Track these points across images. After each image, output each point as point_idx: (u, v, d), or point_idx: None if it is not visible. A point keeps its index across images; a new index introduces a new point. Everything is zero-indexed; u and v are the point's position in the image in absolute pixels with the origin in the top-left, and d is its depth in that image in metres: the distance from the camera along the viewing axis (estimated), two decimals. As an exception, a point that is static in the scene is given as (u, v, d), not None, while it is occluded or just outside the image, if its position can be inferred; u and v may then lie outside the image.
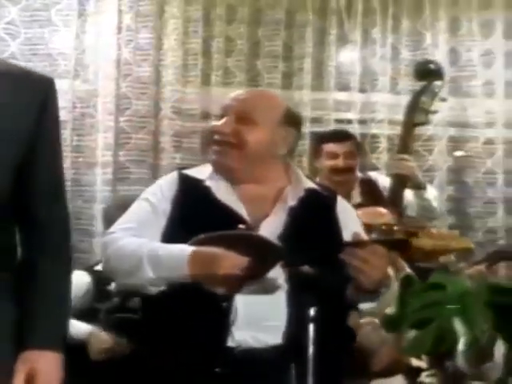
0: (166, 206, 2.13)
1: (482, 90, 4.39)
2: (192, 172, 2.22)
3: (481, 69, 4.39)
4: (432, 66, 3.67)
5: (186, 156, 4.17)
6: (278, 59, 4.25)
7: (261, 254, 1.97)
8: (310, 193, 2.20)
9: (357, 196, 3.58)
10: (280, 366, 2.01)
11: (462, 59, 4.40)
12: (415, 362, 3.10)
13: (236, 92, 2.28)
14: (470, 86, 4.38)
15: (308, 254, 2.01)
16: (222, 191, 2.14)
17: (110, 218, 3.09)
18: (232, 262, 1.97)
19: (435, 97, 3.59)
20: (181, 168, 2.31)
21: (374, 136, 4.29)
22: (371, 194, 3.60)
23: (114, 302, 3.23)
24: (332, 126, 4.20)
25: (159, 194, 2.17)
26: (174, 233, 2.09)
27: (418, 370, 3.08)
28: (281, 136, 2.20)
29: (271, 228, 2.10)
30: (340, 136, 3.69)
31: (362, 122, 4.27)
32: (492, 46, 4.41)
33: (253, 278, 2.00)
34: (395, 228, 3.03)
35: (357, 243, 2.03)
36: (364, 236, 2.17)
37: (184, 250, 2.02)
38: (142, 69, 4.13)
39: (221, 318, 2.00)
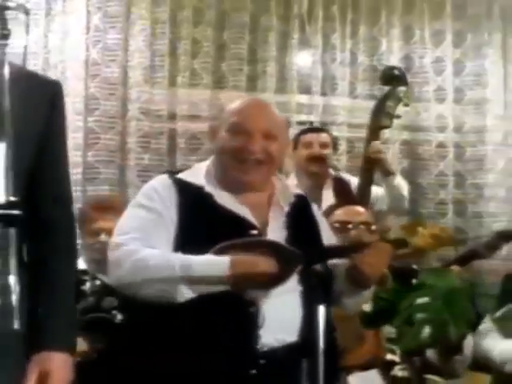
0: (172, 214, 2.13)
1: (434, 95, 4.60)
2: (185, 176, 2.23)
3: (432, 75, 4.60)
4: (396, 72, 3.81)
5: (153, 156, 4.19)
6: (242, 62, 4.33)
7: (283, 259, 2.06)
8: (298, 198, 2.31)
9: (330, 194, 3.70)
10: (296, 362, 2.11)
11: (415, 66, 4.59)
12: (389, 356, 3.26)
13: (242, 104, 2.26)
14: (422, 91, 4.58)
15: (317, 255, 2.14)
16: (225, 198, 2.19)
17: (83, 219, 3.10)
18: (268, 265, 2.07)
19: (399, 101, 3.74)
20: (169, 172, 2.31)
21: (335, 138, 4.42)
22: (343, 193, 3.73)
23: (89, 301, 3.23)
24: (294, 128, 4.31)
25: (159, 201, 2.16)
26: (185, 241, 2.11)
27: (392, 364, 3.24)
28: (288, 145, 2.33)
29: (276, 233, 2.19)
30: (316, 128, 3.96)
31: (323, 124, 4.40)
32: (442, 53, 4.63)
33: (279, 282, 2.10)
34: (373, 227, 3.21)
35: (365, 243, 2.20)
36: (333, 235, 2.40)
37: (220, 258, 2.06)
38: (110, 69, 4.13)
39: (250, 323, 2.07)
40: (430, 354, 3.28)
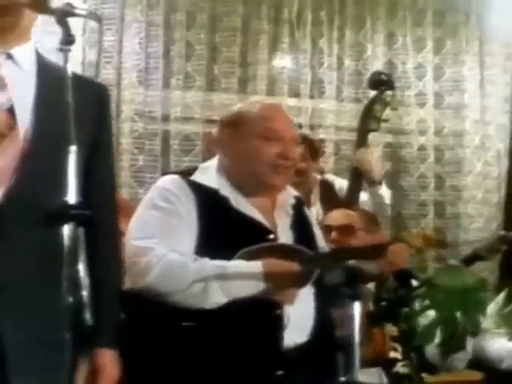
0: (193, 217, 2.16)
1: (415, 100, 4.75)
2: (198, 179, 2.26)
3: (414, 80, 4.75)
4: (384, 77, 3.90)
5: (147, 157, 4.23)
6: (234, 65, 4.40)
7: (304, 262, 2.17)
8: (297, 199, 2.42)
9: (316, 198, 3.80)
10: (313, 361, 2.22)
11: (397, 71, 4.73)
12: (392, 354, 3.39)
13: (269, 111, 2.35)
14: (404, 95, 4.72)
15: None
16: (240, 202, 2.25)
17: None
18: (295, 267, 2.17)
19: (386, 105, 3.85)
20: (179, 173, 2.35)
21: (322, 141, 4.54)
22: (329, 196, 3.83)
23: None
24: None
25: (178, 203, 2.17)
26: (205, 245, 2.15)
27: (394, 361, 3.37)
28: None
29: (284, 235, 2.29)
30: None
31: (311, 127, 4.51)
32: (423, 60, 4.78)
33: (305, 283, 2.22)
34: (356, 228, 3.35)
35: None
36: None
37: (252, 264, 2.14)
38: (105, 71, 4.14)
39: (276, 325, 2.15)
40: (431, 350, 3.43)
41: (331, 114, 4.57)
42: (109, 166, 1.99)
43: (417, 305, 3.37)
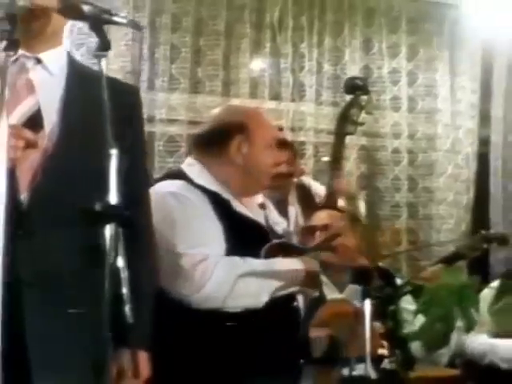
0: (215, 221, 2.26)
1: (390, 104, 4.89)
2: (201, 183, 2.35)
3: (389, 85, 4.89)
4: (359, 82, 4.00)
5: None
6: (218, 68, 4.47)
7: None
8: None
9: (294, 200, 3.90)
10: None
11: (373, 76, 4.86)
12: (379, 350, 3.53)
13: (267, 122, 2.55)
14: (380, 100, 4.86)
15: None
16: (237, 205, 2.37)
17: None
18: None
19: (362, 110, 3.94)
20: (182, 177, 2.40)
21: (302, 143, 4.65)
22: (306, 199, 3.94)
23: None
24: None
25: (201, 208, 2.27)
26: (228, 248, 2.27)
27: (381, 357, 3.50)
28: None
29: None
30: (283, 144, 4.02)
31: (292, 129, 4.61)
32: (397, 65, 4.93)
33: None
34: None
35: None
36: None
37: (293, 261, 2.30)
38: (92, 72, 4.15)
39: (296, 316, 2.34)
40: (414, 346, 3.57)
41: (311, 117, 4.67)
42: (142, 168, 2.05)
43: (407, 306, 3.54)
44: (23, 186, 1.77)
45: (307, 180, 4.12)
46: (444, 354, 3.48)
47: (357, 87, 3.89)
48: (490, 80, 5.10)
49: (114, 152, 1.72)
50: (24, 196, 1.77)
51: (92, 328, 1.73)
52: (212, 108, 4.04)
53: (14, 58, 1.85)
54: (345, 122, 3.80)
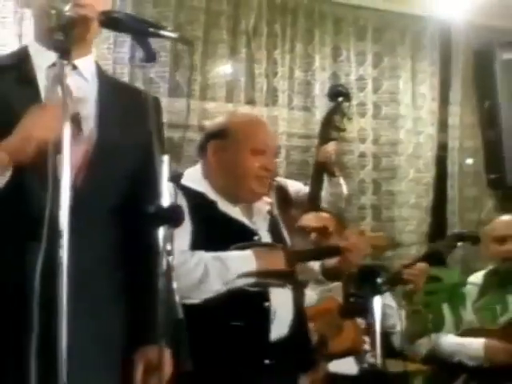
0: (187, 220, 2.29)
1: (357, 109, 5.08)
2: (187, 183, 2.48)
3: (355, 91, 5.08)
4: (341, 89, 4.16)
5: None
6: (195, 72, 4.56)
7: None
8: (270, 205, 2.72)
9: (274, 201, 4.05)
10: (292, 352, 2.47)
11: (341, 82, 5.03)
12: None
13: (266, 125, 2.69)
14: (350, 106, 5.02)
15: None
16: (226, 206, 2.51)
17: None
18: (283, 257, 2.44)
19: (344, 116, 4.10)
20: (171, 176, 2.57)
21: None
22: (284, 200, 4.08)
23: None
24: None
25: None
26: (197, 245, 2.36)
27: (365, 352, 3.68)
28: None
29: (265, 238, 2.57)
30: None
31: (266, 134, 4.73)
32: (364, 72, 5.12)
33: (290, 276, 2.50)
34: (329, 230, 3.67)
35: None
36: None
37: (243, 252, 2.39)
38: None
39: (265, 317, 2.40)
40: (396, 338, 3.77)
41: (283, 122, 4.81)
42: (160, 174, 2.15)
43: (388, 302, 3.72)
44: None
45: (283, 181, 4.25)
46: (424, 345, 3.66)
47: (340, 94, 4.06)
48: (448, 89, 5.35)
49: (164, 158, 1.83)
50: None
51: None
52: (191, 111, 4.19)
53: (51, 63, 1.95)
54: (329, 128, 3.96)
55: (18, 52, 2.08)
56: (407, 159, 5.17)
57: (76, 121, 1.89)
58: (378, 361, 2.46)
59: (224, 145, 2.50)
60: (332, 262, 2.64)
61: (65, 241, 1.62)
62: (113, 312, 1.97)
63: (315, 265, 2.67)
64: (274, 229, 2.60)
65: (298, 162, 4.82)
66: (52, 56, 1.91)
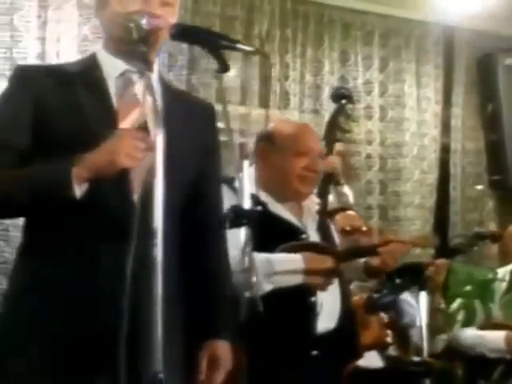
0: None
1: (364, 112, 5.22)
2: (237, 185, 2.61)
3: (363, 95, 5.22)
4: (345, 92, 4.26)
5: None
6: (210, 75, 4.66)
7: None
8: (319, 205, 2.85)
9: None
10: (340, 345, 2.62)
11: (349, 86, 5.16)
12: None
13: (310, 130, 2.84)
14: (354, 108, 5.16)
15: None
16: (276, 207, 2.65)
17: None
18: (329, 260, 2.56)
19: (349, 117, 4.20)
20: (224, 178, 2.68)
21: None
22: None
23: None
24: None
25: None
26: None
27: (387, 345, 3.82)
28: None
29: (313, 236, 2.71)
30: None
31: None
32: (370, 76, 5.27)
33: (336, 275, 2.62)
34: (364, 229, 3.80)
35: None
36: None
37: (292, 255, 2.51)
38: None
39: (311, 310, 2.53)
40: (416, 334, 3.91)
41: (295, 124, 4.92)
42: (217, 178, 2.25)
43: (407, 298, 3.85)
44: (136, 186, 1.90)
45: None
46: (441, 342, 3.80)
47: (343, 96, 4.16)
48: (451, 93, 5.51)
49: (245, 164, 1.94)
50: (136, 196, 1.89)
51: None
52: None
53: (120, 72, 2.03)
54: (334, 129, 4.05)
55: (86, 60, 2.11)
56: (412, 161, 5.33)
57: (145, 129, 1.94)
58: (425, 355, 2.59)
59: (271, 148, 2.63)
60: (376, 260, 2.75)
61: (159, 240, 1.70)
62: (180, 309, 2.02)
63: (358, 262, 2.79)
64: (323, 228, 2.71)
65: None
66: (121, 65, 2.02)
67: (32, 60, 4.11)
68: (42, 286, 1.91)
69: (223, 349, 2.07)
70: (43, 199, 1.86)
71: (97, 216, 1.90)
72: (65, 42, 4.22)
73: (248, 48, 2.08)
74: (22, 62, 4.02)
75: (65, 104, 1.96)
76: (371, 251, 2.77)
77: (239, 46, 1.98)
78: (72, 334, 1.87)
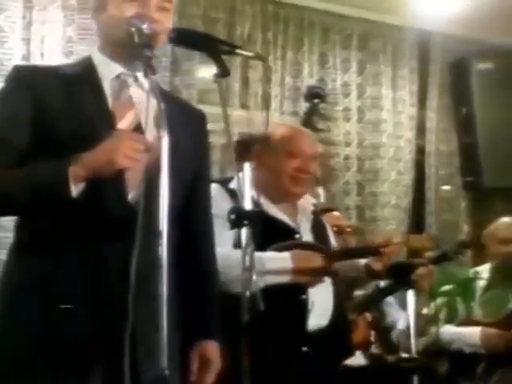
0: None
1: (342, 114, 5.32)
2: (234, 186, 2.60)
3: (341, 97, 5.32)
4: (318, 90, 4.32)
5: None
6: (192, 77, 4.72)
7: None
8: (314, 206, 2.94)
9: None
10: (331, 342, 2.69)
11: (328, 88, 5.26)
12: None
13: (304, 133, 2.92)
14: (333, 110, 5.26)
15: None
16: (270, 207, 2.73)
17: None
18: (319, 258, 2.64)
19: (322, 117, 4.24)
20: (217, 181, 2.74)
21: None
22: None
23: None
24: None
25: (219, 208, 2.43)
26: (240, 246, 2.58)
27: (371, 344, 3.92)
28: None
29: (307, 235, 2.80)
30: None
31: (260, 137, 4.93)
32: (348, 79, 5.37)
33: (327, 274, 2.69)
34: (348, 229, 3.90)
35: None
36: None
37: (281, 253, 2.58)
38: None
39: (302, 308, 2.61)
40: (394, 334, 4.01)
41: (275, 125, 5.00)
42: (209, 179, 2.33)
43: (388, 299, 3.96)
44: (132, 186, 1.95)
45: None
46: (424, 340, 3.90)
47: (316, 95, 4.21)
48: (426, 96, 5.63)
49: (247, 166, 2.01)
50: (132, 196, 1.95)
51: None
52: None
53: (116, 75, 2.08)
54: (308, 128, 4.14)
55: (82, 62, 2.14)
56: (388, 162, 5.43)
57: (140, 130, 1.99)
58: (413, 352, 2.68)
59: (265, 149, 2.70)
60: (378, 263, 2.79)
61: (164, 240, 1.76)
62: (176, 310, 2.04)
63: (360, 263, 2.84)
64: (317, 228, 2.79)
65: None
66: (117, 68, 2.07)
67: (17, 61, 4.13)
68: (41, 285, 1.93)
69: (213, 350, 2.12)
70: (41, 198, 1.89)
71: (94, 215, 1.93)
72: (49, 42, 4.25)
73: (247, 53, 2.14)
74: (7, 63, 4.06)
75: (63, 104, 1.99)
76: (367, 252, 2.83)
77: (239, 51, 2.05)
78: (73, 334, 1.90)
